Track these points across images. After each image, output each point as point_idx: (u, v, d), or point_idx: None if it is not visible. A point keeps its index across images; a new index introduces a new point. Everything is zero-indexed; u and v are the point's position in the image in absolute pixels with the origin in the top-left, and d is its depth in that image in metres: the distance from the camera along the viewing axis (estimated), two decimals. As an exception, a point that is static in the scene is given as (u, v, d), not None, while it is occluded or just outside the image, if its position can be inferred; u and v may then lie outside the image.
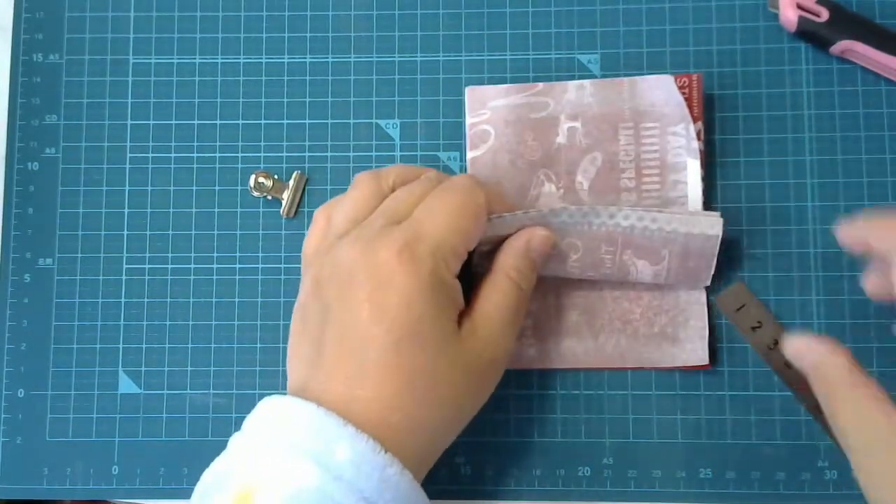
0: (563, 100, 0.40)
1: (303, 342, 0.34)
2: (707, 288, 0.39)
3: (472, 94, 0.41)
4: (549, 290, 0.40)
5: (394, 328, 0.31)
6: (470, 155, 0.41)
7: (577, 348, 0.40)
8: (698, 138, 0.39)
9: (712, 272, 0.38)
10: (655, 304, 0.39)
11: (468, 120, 0.41)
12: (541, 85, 0.41)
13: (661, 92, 0.40)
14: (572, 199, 0.40)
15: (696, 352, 0.39)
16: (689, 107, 0.39)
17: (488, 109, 0.41)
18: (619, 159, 0.40)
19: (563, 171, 0.40)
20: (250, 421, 0.32)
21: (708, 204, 0.40)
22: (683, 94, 0.39)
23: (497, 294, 0.35)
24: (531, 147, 0.40)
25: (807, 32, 0.40)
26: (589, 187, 0.40)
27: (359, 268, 0.32)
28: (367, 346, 0.31)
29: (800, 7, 0.40)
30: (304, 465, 0.29)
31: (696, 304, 0.39)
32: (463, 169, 0.41)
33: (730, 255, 0.40)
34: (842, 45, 0.40)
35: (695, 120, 0.39)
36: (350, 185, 0.36)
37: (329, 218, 0.36)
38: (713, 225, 0.37)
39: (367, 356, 0.31)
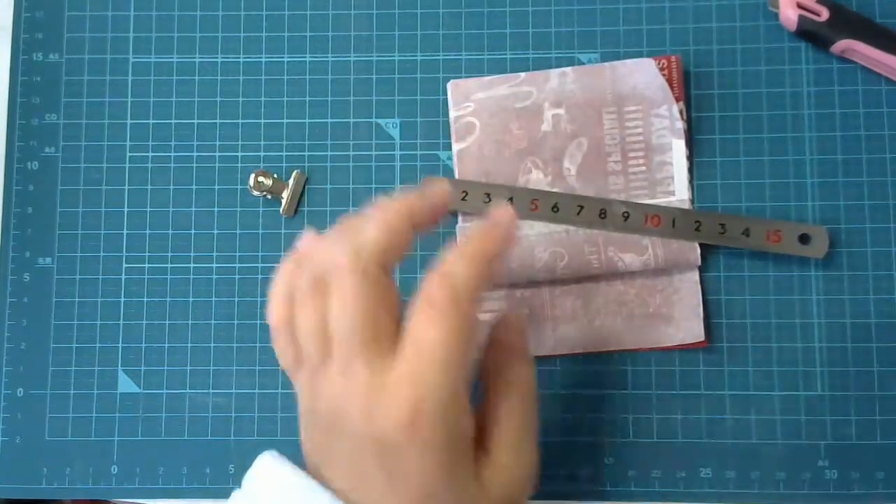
0: (545, 88, 0.41)
1: (312, 440, 0.32)
2: (700, 267, 0.40)
3: (454, 87, 0.41)
4: (543, 281, 0.40)
5: (411, 497, 0.29)
6: (456, 147, 0.41)
7: (573, 333, 0.40)
8: (681, 118, 0.40)
9: (699, 251, 0.39)
10: (649, 284, 0.40)
11: (452, 113, 0.41)
12: (523, 75, 0.41)
13: (641, 75, 0.40)
14: (561, 186, 0.40)
15: (691, 329, 0.39)
16: (670, 88, 0.40)
17: (472, 102, 0.41)
18: (605, 143, 0.40)
19: (550, 157, 0.40)
20: (253, 483, 0.31)
21: (694, 183, 0.40)
22: (663, 75, 0.40)
23: (503, 409, 0.31)
24: (517, 136, 0.40)
25: (807, 32, 0.40)
26: (576, 172, 0.40)
27: (364, 433, 0.28)
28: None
29: (800, 6, 0.40)
30: None
31: (688, 283, 0.40)
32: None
33: (730, 252, 0.40)
34: (842, 45, 0.40)
35: (676, 100, 0.40)
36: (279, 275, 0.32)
37: (292, 320, 0.31)
38: (682, 203, 0.39)
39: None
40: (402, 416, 0.28)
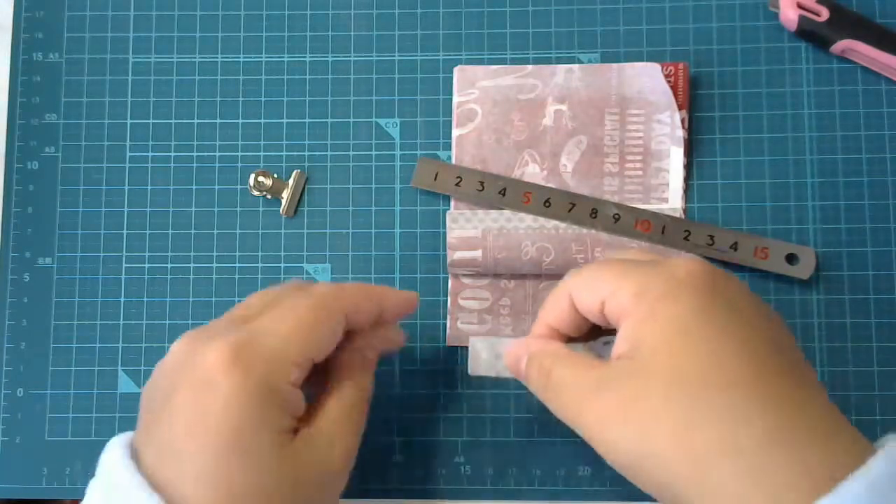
0: (551, 82, 0.41)
1: (140, 416, 0.32)
2: None
3: (461, 73, 0.41)
4: (528, 274, 0.40)
5: (212, 441, 0.28)
6: (456, 133, 0.41)
7: None
8: (682, 127, 0.40)
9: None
10: None
11: (456, 98, 0.41)
12: (530, 67, 0.41)
13: (647, 79, 0.40)
14: (556, 182, 0.40)
15: None
16: (675, 95, 0.40)
17: (477, 89, 0.41)
18: (604, 144, 0.40)
19: (548, 152, 0.41)
20: (99, 471, 0.31)
21: (689, 192, 0.41)
22: (669, 82, 0.40)
23: (342, 398, 0.33)
24: (517, 127, 0.41)
25: (807, 32, 0.40)
26: (573, 170, 0.40)
27: (184, 370, 0.30)
28: (185, 458, 0.28)
29: (800, 6, 0.40)
30: None
31: None
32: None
33: (730, 255, 0.40)
34: (842, 45, 0.40)
35: (680, 108, 0.40)
36: None
37: None
38: (674, 212, 0.40)
39: (184, 468, 0.28)
40: (223, 351, 0.29)
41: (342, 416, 0.32)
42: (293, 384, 0.30)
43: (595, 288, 0.31)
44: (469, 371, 0.36)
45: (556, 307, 0.32)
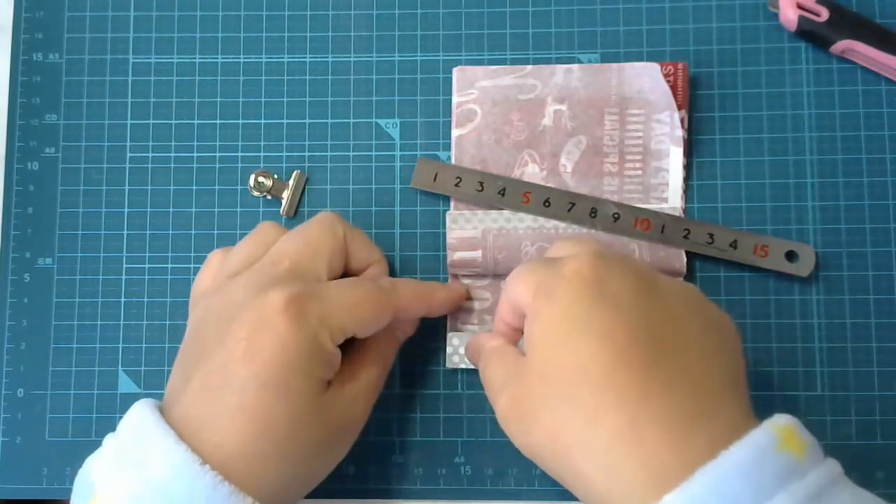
0: (550, 82, 0.41)
1: (178, 369, 0.34)
2: (684, 276, 0.40)
3: (460, 73, 0.41)
4: None
5: (262, 373, 0.30)
6: (455, 133, 0.41)
7: None
8: (682, 126, 0.40)
9: (685, 259, 0.39)
10: None
11: (455, 99, 0.41)
12: (529, 67, 0.41)
13: (647, 79, 0.40)
14: (555, 182, 0.40)
15: None
16: (674, 95, 0.40)
17: (476, 89, 0.41)
18: (604, 144, 0.40)
19: (548, 152, 0.40)
20: (122, 427, 0.32)
21: (689, 192, 0.41)
22: (668, 81, 0.40)
23: (370, 366, 0.35)
24: (517, 127, 0.41)
25: (807, 32, 0.40)
26: (572, 170, 0.40)
27: (245, 307, 0.32)
28: (230, 387, 0.30)
29: (800, 7, 0.40)
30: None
31: None
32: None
33: (730, 255, 0.40)
34: (842, 45, 0.40)
35: (679, 108, 0.40)
36: (252, 230, 0.37)
37: (223, 259, 0.36)
38: (674, 212, 0.39)
39: (225, 399, 0.30)
40: (285, 295, 0.31)
41: (368, 382, 0.35)
42: (335, 345, 0.33)
43: (512, 288, 0.33)
44: (446, 364, 0.39)
45: (502, 304, 0.35)
